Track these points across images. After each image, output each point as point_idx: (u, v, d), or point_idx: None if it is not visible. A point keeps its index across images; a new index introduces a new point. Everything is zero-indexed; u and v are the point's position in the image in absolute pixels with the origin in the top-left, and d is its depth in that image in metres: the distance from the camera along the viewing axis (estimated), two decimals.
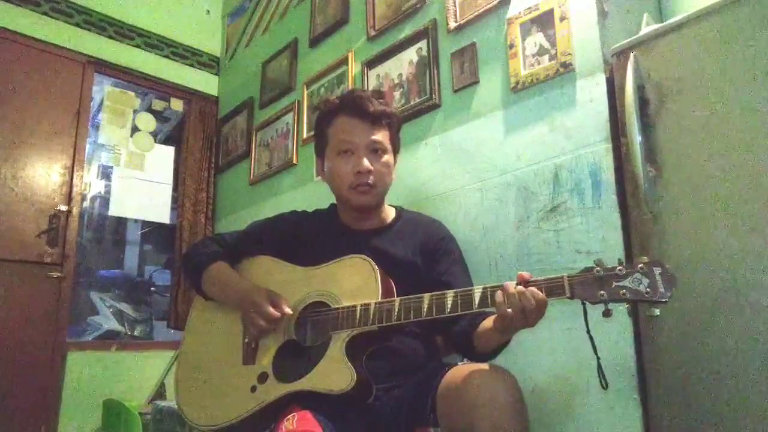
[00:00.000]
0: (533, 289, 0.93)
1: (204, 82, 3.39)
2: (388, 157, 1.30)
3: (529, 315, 0.93)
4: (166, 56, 3.24)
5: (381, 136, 1.28)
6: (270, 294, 1.18)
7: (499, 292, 0.95)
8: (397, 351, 1.18)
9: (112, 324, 3.53)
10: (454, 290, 1.01)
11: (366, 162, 1.25)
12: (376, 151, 1.27)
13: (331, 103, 1.32)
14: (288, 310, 1.17)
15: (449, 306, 1.00)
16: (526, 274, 0.96)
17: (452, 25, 1.84)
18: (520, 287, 0.94)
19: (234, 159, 3.09)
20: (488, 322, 1.10)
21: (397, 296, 1.09)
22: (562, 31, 1.51)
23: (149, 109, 3.32)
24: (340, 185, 1.28)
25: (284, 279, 1.25)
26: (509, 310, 0.93)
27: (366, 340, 1.10)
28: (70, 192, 2.73)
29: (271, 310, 1.15)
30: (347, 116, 1.28)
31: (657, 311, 1.21)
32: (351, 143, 1.26)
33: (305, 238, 1.35)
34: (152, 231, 4.43)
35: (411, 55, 2.01)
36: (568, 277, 0.91)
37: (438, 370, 1.10)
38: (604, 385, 0.96)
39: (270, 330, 1.17)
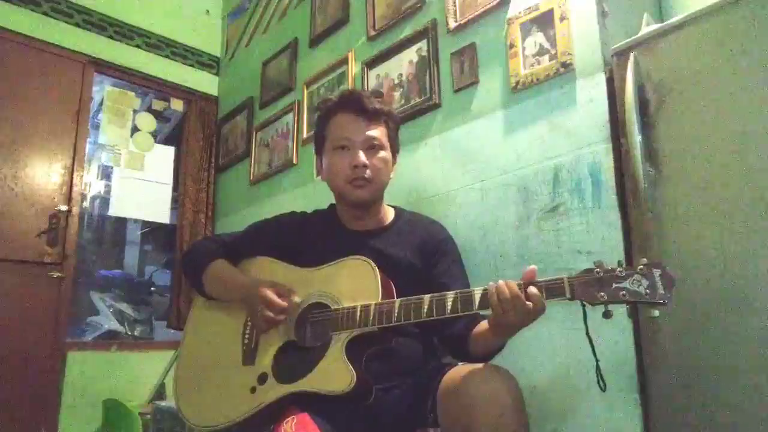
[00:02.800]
0: (532, 289, 0.93)
1: (204, 82, 3.38)
2: (384, 154, 1.30)
3: (524, 316, 0.93)
4: (166, 56, 3.23)
5: (377, 132, 1.28)
6: (275, 284, 1.18)
7: (493, 293, 0.95)
8: (396, 352, 1.18)
9: (112, 324, 3.53)
10: (455, 291, 1.01)
11: (362, 156, 1.25)
12: (372, 147, 1.27)
13: (329, 102, 1.33)
14: (296, 298, 1.17)
15: (449, 307, 1.00)
16: (530, 272, 0.95)
17: (452, 25, 1.84)
18: (512, 284, 0.94)
19: (234, 159, 3.09)
20: (484, 325, 1.10)
21: (396, 297, 1.09)
22: (562, 31, 1.50)
23: (149, 109, 3.33)
24: (336, 180, 1.28)
25: (284, 280, 1.24)
26: (501, 306, 0.94)
27: (366, 341, 1.10)
28: (70, 192, 2.73)
29: (280, 300, 1.15)
30: (345, 113, 1.29)
31: (656, 313, 1.21)
32: (347, 139, 1.26)
33: (305, 239, 1.35)
34: (152, 231, 4.43)
35: (411, 55, 2.00)
36: (569, 278, 0.91)
37: (438, 371, 1.10)
38: (603, 387, 0.96)
39: (280, 322, 1.16)
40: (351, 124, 1.27)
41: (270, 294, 1.15)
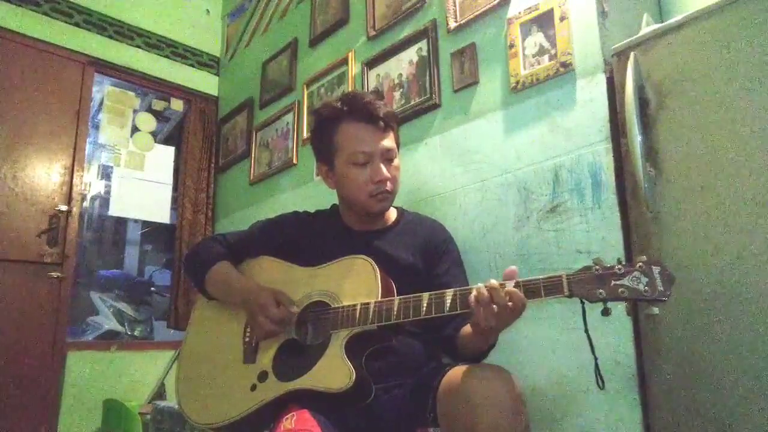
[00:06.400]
0: (509, 288, 0.92)
1: (204, 82, 3.39)
2: (398, 161, 1.31)
3: (499, 315, 0.93)
4: (166, 56, 3.23)
5: (391, 140, 1.29)
6: (275, 294, 1.18)
7: (471, 295, 0.95)
8: (396, 350, 1.18)
9: (112, 324, 3.53)
10: (453, 289, 1.01)
11: (385, 170, 1.25)
12: (389, 158, 1.28)
13: (335, 108, 1.29)
14: (295, 309, 1.17)
15: (448, 305, 1.00)
16: (510, 272, 0.96)
17: (452, 25, 1.84)
18: (493, 284, 0.93)
19: (234, 159, 3.09)
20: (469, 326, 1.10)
21: (396, 296, 1.09)
22: (562, 31, 1.51)
23: (149, 109, 3.33)
24: (357, 194, 1.27)
25: (286, 279, 1.25)
26: (481, 309, 0.93)
27: (366, 339, 1.10)
28: (70, 192, 2.73)
29: (278, 311, 1.15)
30: (356, 122, 1.26)
31: (656, 310, 1.21)
32: (366, 153, 1.24)
33: (307, 239, 1.35)
34: (152, 231, 4.43)
35: (411, 55, 2.01)
36: (567, 275, 0.91)
37: (438, 370, 1.10)
38: (601, 385, 0.96)
39: (278, 332, 1.16)
40: (366, 134, 1.25)
41: (269, 304, 1.15)
